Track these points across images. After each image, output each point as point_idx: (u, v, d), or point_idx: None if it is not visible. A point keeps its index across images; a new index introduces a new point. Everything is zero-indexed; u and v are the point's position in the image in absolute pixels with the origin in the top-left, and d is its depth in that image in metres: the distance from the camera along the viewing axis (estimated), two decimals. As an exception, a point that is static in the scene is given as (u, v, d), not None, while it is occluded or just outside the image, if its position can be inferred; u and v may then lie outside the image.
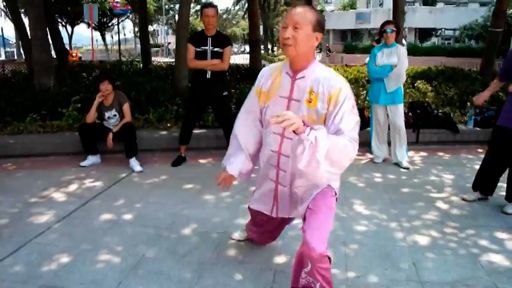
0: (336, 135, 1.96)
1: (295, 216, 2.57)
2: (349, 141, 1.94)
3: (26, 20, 8.71)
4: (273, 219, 2.66)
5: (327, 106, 2.03)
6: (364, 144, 5.63)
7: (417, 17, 35.54)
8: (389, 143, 5.47)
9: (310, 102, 2.06)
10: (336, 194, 2.28)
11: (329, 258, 2.14)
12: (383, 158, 5.48)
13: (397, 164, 5.30)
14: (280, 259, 3.01)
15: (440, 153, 5.95)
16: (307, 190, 2.28)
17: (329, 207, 2.23)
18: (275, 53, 41.87)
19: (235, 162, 2.51)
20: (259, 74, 2.36)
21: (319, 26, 2.03)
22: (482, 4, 37.00)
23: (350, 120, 1.99)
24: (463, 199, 4.17)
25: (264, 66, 12.89)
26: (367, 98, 6.01)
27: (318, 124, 2.00)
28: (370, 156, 5.63)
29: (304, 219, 2.27)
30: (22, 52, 9.63)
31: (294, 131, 1.84)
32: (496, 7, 9.42)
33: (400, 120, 5.23)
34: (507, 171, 3.98)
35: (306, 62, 2.09)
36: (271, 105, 2.23)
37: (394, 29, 5.08)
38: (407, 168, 5.19)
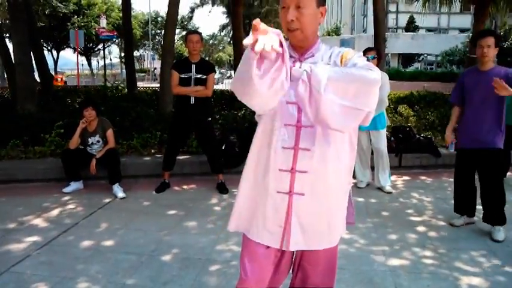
0: None
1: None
2: (365, 69, 1.60)
3: (10, 45, 8.73)
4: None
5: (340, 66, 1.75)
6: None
7: (400, 43, 36.44)
8: (372, 168, 5.53)
9: None
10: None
11: None
12: (366, 182, 5.53)
13: (380, 189, 5.35)
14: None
15: (423, 177, 6.02)
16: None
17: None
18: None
19: None
20: None
21: None
22: (462, 31, 38.10)
23: (364, 61, 1.71)
24: (451, 224, 4.21)
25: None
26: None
27: None
28: (353, 180, 5.67)
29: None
30: (6, 77, 9.58)
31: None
32: (473, 35, 9.72)
33: (383, 146, 5.30)
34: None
35: (313, 41, 1.81)
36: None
37: (375, 55, 5.19)
38: (390, 193, 5.23)
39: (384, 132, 5.32)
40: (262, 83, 1.50)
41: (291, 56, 1.76)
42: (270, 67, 1.49)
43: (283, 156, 1.76)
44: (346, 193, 1.92)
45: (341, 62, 1.76)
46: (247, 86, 1.53)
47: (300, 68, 1.55)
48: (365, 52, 5.28)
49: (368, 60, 5.12)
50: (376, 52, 5.27)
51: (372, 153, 5.47)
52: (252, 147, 1.87)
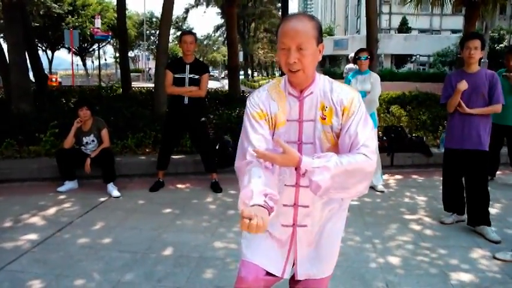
0: (352, 147, 1.74)
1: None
2: (364, 157, 1.69)
3: (5, 45, 8.71)
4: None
5: (341, 119, 1.79)
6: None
7: (393, 44, 36.64)
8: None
9: (325, 119, 1.79)
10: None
11: None
12: None
13: (373, 188, 5.41)
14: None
15: (414, 176, 6.10)
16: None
17: None
18: (255, 78, 42.35)
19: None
20: (251, 99, 1.87)
21: (321, 35, 1.77)
22: (454, 32, 38.35)
23: (366, 128, 1.77)
24: (441, 222, 4.28)
25: (242, 91, 12.95)
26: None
27: (331, 145, 1.81)
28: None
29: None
30: (0, 77, 9.55)
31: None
32: (463, 35, 9.81)
33: None
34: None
35: (312, 77, 1.81)
36: (282, 133, 1.82)
37: (368, 56, 5.26)
38: (382, 192, 5.30)
39: (375, 133, 5.36)
40: None
41: (290, 94, 1.82)
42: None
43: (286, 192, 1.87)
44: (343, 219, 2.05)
45: (343, 113, 1.78)
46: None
47: (312, 161, 1.63)
48: (357, 53, 5.35)
49: (360, 60, 5.18)
50: (369, 53, 5.33)
51: None
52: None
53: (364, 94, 5.16)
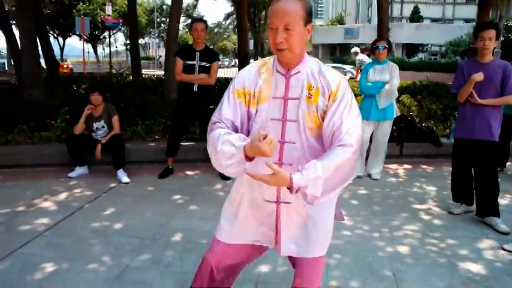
0: (335, 136, 1.78)
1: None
2: (344, 149, 1.74)
3: (17, 32, 8.77)
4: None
5: (327, 102, 1.81)
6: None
7: (404, 33, 36.20)
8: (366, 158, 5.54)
9: (310, 98, 1.81)
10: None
11: None
12: (357, 175, 5.29)
13: (369, 175, 5.43)
14: (262, 269, 3.06)
15: (424, 166, 6.07)
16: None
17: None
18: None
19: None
20: (240, 73, 1.96)
21: (309, 15, 1.79)
22: (467, 21, 37.78)
23: (350, 115, 1.80)
24: (450, 212, 4.26)
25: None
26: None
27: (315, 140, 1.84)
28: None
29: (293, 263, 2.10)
30: (13, 63, 9.64)
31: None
32: (477, 25, 9.67)
33: (385, 138, 5.33)
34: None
35: (300, 56, 1.84)
36: (265, 109, 1.86)
37: (386, 46, 5.16)
38: (376, 179, 5.33)
39: (389, 124, 5.33)
40: (221, 166, 1.79)
41: (278, 71, 1.87)
42: (236, 166, 1.75)
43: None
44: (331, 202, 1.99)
45: (329, 97, 1.81)
46: (213, 153, 1.80)
47: (301, 174, 1.67)
48: (375, 42, 5.24)
49: (378, 49, 5.09)
50: (387, 42, 5.23)
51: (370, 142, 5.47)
52: None
53: (382, 84, 5.09)
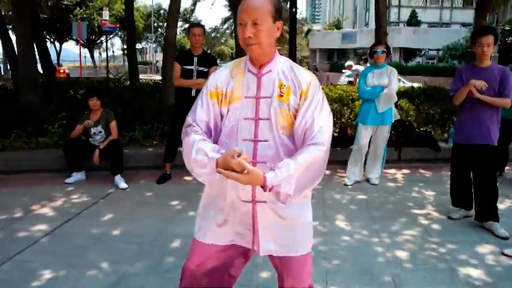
0: (307, 135, 1.80)
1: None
2: (316, 147, 1.77)
3: (13, 37, 8.75)
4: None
5: (298, 100, 1.84)
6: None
7: (401, 37, 36.27)
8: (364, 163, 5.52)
9: (282, 96, 1.84)
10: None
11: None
12: (354, 180, 5.38)
13: (368, 180, 5.41)
14: (262, 275, 3.04)
15: (422, 171, 6.07)
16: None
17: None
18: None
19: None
20: (212, 75, 2.00)
21: (278, 13, 1.83)
22: (464, 25, 37.92)
23: (322, 113, 1.83)
24: (449, 217, 4.25)
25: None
26: (351, 118, 6.06)
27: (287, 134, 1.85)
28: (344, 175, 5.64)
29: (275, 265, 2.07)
30: (9, 68, 9.61)
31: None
32: (474, 29, 9.70)
33: (383, 142, 5.32)
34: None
35: (270, 55, 1.88)
36: (237, 109, 1.89)
37: (385, 50, 5.16)
38: (375, 184, 5.31)
39: (388, 128, 5.32)
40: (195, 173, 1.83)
41: (249, 71, 1.89)
42: (208, 175, 1.79)
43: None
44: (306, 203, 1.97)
45: (300, 96, 1.84)
46: (186, 159, 1.82)
47: (273, 173, 1.67)
48: (374, 46, 5.24)
49: (376, 54, 5.09)
50: (385, 46, 5.23)
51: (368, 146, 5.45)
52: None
53: (381, 89, 5.08)
